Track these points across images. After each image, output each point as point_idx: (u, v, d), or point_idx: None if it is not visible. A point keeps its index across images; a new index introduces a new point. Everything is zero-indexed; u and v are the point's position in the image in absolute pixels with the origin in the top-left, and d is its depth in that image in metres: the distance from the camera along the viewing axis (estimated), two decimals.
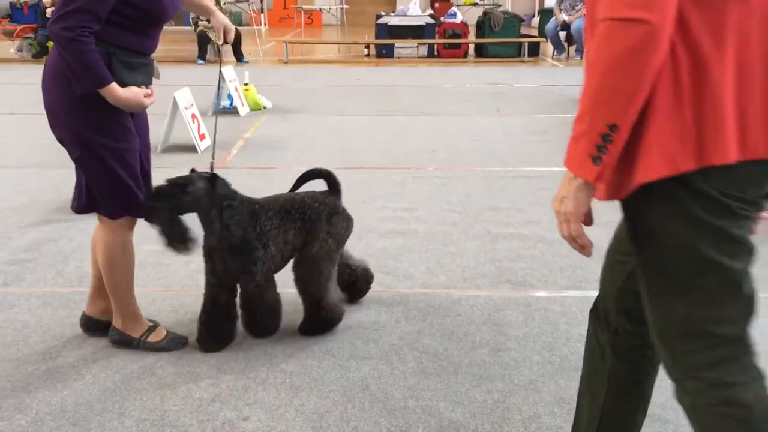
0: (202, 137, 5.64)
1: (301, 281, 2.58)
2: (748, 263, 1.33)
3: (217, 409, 2.18)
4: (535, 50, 11.91)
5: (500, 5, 14.04)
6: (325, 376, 2.35)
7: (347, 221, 2.65)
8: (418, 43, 12.10)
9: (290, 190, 2.72)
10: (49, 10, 11.39)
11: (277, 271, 2.60)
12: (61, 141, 2.31)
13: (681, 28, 1.19)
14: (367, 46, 12.34)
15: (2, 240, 3.55)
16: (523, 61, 11.41)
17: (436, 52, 12.15)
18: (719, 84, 1.20)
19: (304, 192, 2.65)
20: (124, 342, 2.52)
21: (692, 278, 1.31)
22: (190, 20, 11.49)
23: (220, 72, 2.97)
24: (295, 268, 2.60)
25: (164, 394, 2.25)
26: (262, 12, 16.65)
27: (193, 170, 2.43)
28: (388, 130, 6.25)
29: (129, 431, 2.07)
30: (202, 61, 11.04)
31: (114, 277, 2.43)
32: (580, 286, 3.01)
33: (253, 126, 6.50)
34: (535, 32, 13.90)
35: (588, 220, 1.36)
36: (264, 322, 2.57)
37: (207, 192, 2.36)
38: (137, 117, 2.39)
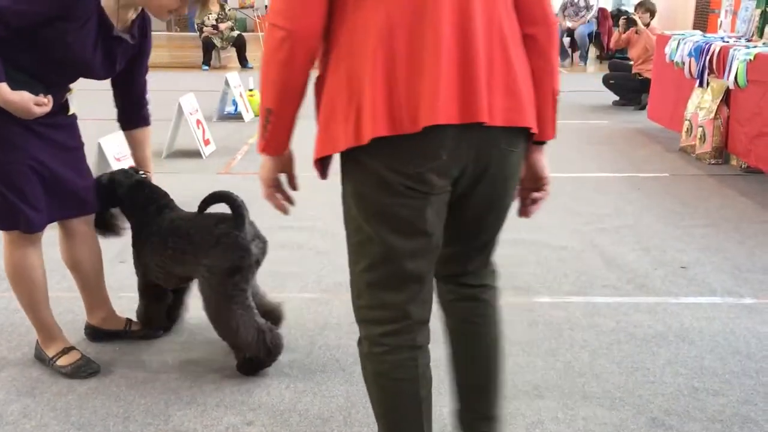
0: (206, 143, 5.65)
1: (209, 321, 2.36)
2: (416, 243, 1.49)
3: (221, 414, 2.18)
4: None
5: None
6: (328, 381, 2.36)
7: (231, 252, 2.24)
8: None
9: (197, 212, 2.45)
10: None
11: (160, 284, 2.54)
12: None
13: (332, 28, 1.43)
14: None
15: None
16: None
17: None
18: (370, 73, 1.38)
19: (204, 215, 2.37)
20: (41, 359, 2.47)
21: (358, 245, 1.53)
22: (195, 26, 11.54)
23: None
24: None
25: (168, 398, 2.26)
26: (266, 18, 16.70)
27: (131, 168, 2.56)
28: None
29: None
30: (206, 67, 11.08)
31: (17, 291, 2.37)
32: (585, 291, 3.01)
33: (257, 131, 6.51)
34: None
35: (293, 185, 1.66)
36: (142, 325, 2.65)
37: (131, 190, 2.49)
38: (60, 128, 2.29)
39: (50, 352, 2.44)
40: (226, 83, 6.91)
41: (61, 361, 2.41)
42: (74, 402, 2.24)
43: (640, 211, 4.16)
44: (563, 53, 11.77)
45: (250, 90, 7.35)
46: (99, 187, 2.48)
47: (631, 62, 7.77)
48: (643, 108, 7.23)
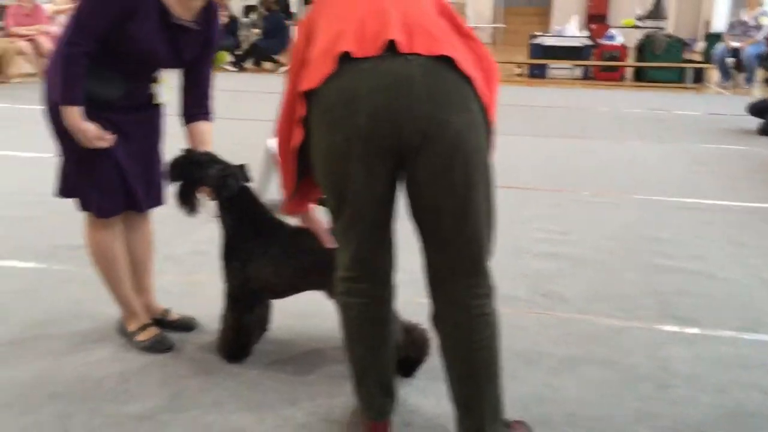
0: None
1: None
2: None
3: None
4: (699, 76, 11.33)
5: (663, 28, 13.48)
6: None
7: None
8: (575, 65, 11.86)
9: None
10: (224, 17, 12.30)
11: (267, 296, 2.50)
12: None
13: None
14: (520, 65, 12.27)
15: (185, 233, 3.88)
16: (685, 87, 10.89)
17: (590, 74, 11.86)
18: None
19: None
20: (124, 333, 2.65)
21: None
22: None
23: None
24: None
25: (332, 390, 2.37)
26: None
27: (242, 166, 2.46)
28: (541, 151, 6.19)
29: (298, 421, 2.20)
30: None
31: (97, 269, 2.55)
32: (755, 328, 2.84)
33: None
34: (698, 57, 13.23)
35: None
36: (226, 342, 2.51)
37: (218, 180, 2.34)
38: (140, 124, 2.43)
39: (131, 328, 2.63)
40: None
41: (140, 336, 2.61)
42: (245, 383, 2.40)
43: None
44: (725, 74, 11.10)
45: None
46: (199, 164, 2.38)
47: None
48: None
